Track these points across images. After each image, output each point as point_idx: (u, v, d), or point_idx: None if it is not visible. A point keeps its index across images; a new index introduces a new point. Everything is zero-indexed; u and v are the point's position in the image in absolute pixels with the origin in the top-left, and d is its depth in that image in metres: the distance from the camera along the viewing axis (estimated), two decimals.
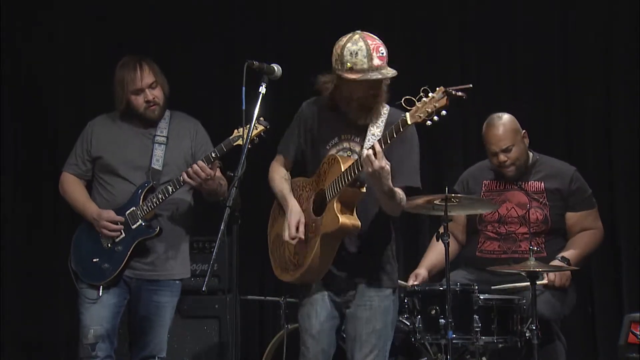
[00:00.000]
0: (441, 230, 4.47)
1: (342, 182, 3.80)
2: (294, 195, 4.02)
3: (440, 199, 4.51)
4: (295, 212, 3.95)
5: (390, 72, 3.83)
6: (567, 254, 4.88)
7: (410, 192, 3.98)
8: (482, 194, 5.09)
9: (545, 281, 4.81)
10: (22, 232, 6.33)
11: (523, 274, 4.57)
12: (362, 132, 3.93)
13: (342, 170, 3.80)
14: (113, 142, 4.65)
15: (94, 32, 6.34)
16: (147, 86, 4.58)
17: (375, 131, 3.89)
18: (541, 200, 4.98)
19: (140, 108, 4.60)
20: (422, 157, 6.15)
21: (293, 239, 3.92)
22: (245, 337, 5.80)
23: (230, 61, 6.23)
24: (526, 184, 5.04)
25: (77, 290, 4.58)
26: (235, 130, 4.39)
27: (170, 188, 4.50)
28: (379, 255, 4.00)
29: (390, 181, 3.74)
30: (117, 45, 6.13)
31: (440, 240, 4.49)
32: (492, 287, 4.81)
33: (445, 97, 3.62)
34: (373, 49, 3.80)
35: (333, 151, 3.96)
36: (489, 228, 5.04)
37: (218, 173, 4.52)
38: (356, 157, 3.84)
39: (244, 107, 3.95)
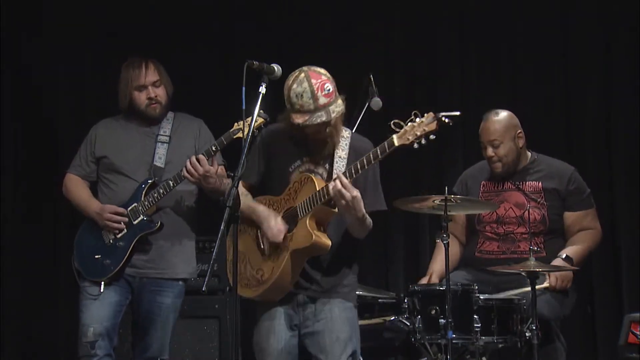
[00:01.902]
0: (441, 230, 4.47)
1: (316, 201, 3.83)
2: None
3: (440, 199, 4.50)
4: (269, 214, 3.97)
5: (336, 110, 3.88)
6: (568, 251, 4.87)
7: (377, 214, 4.03)
8: (480, 194, 5.09)
9: (546, 284, 4.81)
10: (22, 232, 6.33)
11: (523, 274, 4.57)
12: (325, 155, 3.98)
13: (317, 189, 3.84)
14: (116, 141, 4.69)
15: (94, 32, 6.33)
16: (150, 83, 4.63)
17: (341, 154, 3.95)
18: (539, 200, 4.98)
19: (142, 105, 4.64)
20: (422, 157, 6.19)
21: (278, 233, 3.92)
22: (245, 337, 5.79)
23: (230, 61, 6.23)
24: (524, 184, 5.04)
25: (79, 287, 4.59)
26: (236, 124, 4.42)
27: (171, 183, 4.52)
28: (340, 273, 4.02)
29: (363, 208, 3.82)
30: (117, 45, 6.14)
31: (440, 241, 4.48)
32: (500, 295, 4.79)
33: (435, 122, 3.67)
34: (317, 89, 3.86)
35: (296, 173, 4.00)
36: (488, 228, 5.04)
37: (221, 171, 4.53)
38: (324, 178, 3.93)
39: (244, 107, 3.96)
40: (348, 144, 3.98)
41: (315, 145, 3.98)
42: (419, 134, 3.69)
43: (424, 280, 5.02)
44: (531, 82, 6.10)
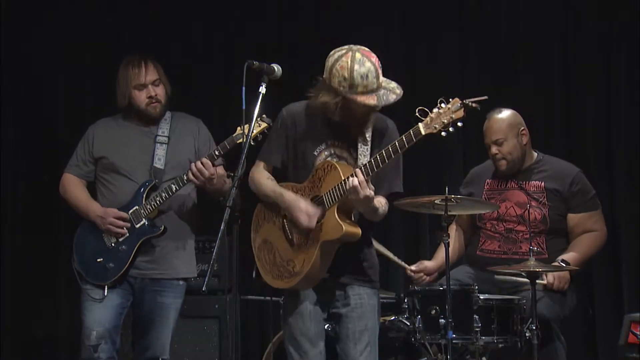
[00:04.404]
0: (441, 231, 4.47)
1: (343, 191, 3.78)
2: None
3: (440, 199, 4.50)
4: (297, 199, 3.89)
5: (396, 87, 3.81)
6: (567, 257, 4.86)
7: (394, 195, 4.01)
8: (483, 192, 5.10)
9: (544, 282, 4.81)
10: (22, 231, 6.33)
11: (523, 274, 4.57)
12: (349, 137, 3.92)
13: (342, 178, 3.79)
14: (115, 141, 4.67)
15: (95, 31, 6.33)
16: (150, 82, 4.62)
17: (364, 136, 3.89)
18: (541, 199, 4.99)
19: (142, 104, 4.63)
20: (422, 157, 6.18)
21: (308, 226, 3.85)
22: (245, 337, 5.80)
23: (230, 61, 6.24)
24: (527, 184, 5.04)
25: (81, 289, 4.57)
26: (239, 128, 4.40)
27: (173, 187, 4.51)
28: (364, 256, 4.01)
29: (374, 202, 3.80)
30: (117, 45, 6.15)
31: (440, 241, 4.48)
32: (496, 277, 4.79)
33: (462, 109, 3.60)
34: (377, 66, 3.79)
35: (321, 157, 3.94)
36: (488, 225, 5.05)
37: (222, 171, 4.53)
38: (349, 163, 3.88)
39: (244, 107, 3.95)
40: (371, 124, 3.90)
41: (341, 127, 3.89)
42: (446, 121, 3.61)
43: (415, 266, 5.02)
44: (531, 82, 6.10)
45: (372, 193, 3.74)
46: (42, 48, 6.31)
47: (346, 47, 3.83)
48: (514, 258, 4.90)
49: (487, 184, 5.14)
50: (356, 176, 3.72)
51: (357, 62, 3.76)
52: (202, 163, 4.42)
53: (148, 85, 4.62)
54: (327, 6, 6.33)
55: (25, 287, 6.23)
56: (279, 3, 6.45)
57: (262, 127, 4.27)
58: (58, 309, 6.19)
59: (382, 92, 3.78)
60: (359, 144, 3.89)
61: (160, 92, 4.65)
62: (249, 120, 4.04)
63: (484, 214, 5.04)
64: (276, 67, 4.03)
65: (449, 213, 4.48)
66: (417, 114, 3.67)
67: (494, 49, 6.16)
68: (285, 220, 4.00)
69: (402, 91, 3.81)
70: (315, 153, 3.95)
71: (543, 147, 5.22)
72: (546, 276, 4.82)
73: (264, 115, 4.23)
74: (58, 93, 6.43)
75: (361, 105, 3.78)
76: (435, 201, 4.52)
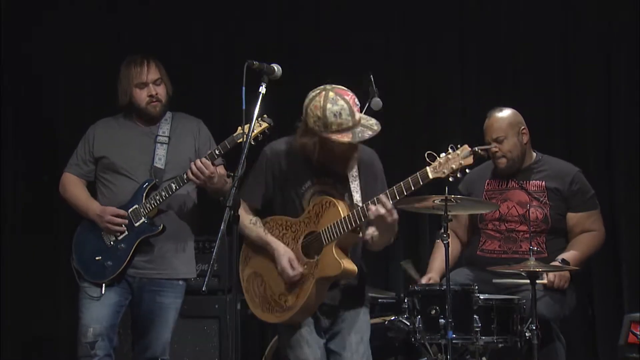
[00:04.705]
0: (441, 230, 4.47)
1: (343, 228, 3.81)
2: (274, 234, 4.02)
3: (440, 199, 4.50)
4: (284, 252, 3.94)
5: (374, 123, 3.83)
6: (567, 255, 4.87)
7: None
8: (484, 192, 5.10)
9: (544, 281, 4.82)
10: (22, 231, 6.33)
11: (523, 274, 4.57)
12: (334, 173, 3.95)
13: (342, 216, 3.82)
14: (115, 141, 4.68)
15: (94, 31, 6.33)
16: (152, 81, 4.63)
17: (351, 171, 3.91)
18: (542, 199, 4.99)
19: (143, 103, 4.63)
20: (422, 156, 6.16)
21: (294, 276, 3.90)
22: (245, 337, 5.80)
23: (230, 61, 6.23)
24: (527, 183, 5.05)
25: (80, 288, 4.58)
26: (239, 128, 4.39)
27: (173, 186, 4.51)
28: (359, 285, 4.05)
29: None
30: (117, 45, 6.15)
31: (440, 241, 4.48)
32: (494, 280, 4.80)
33: (472, 156, 3.63)
34: (352, 104, 3.80)
35: (308, 194, 3.97)
36: (490, 226, 5.05)
37: (222, 170, 4.53)
38: (345, 199, 3.90)
39: (244, 107, 3.95)
40: (356, 161, 3.94)
41: (325, 164, 3.91)
42: (454, 167, 3.66)
43: (424, 280, 5.03)
44: (531, 82, 6.10)
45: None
46: (42, 48, 6.30)
47: (321, 87, 3.86)
48: (514, 257, 4.90)
49: (488, 184, 5.14)
50: (383, 204, 3.74)
51: (330, 100, 3.78)
52: (201, 162, 4.42)
53: (149, 84, 4.63)
54: (327, 6, 6.33)
55: (25, 287, 6.23)
56: (279, 3, 6.45)
57: (262, 127, 4.27)
58: (58, 309, 6.18)
59: (358, 129, 3.80)
60: (351, 180, 3.91)
61: (161, 91, 4.66)
62: (249, 121, 4.04)
63: (486, 214, 5.04)
64: (276, 67, 4.03)
65: (449, 213, 4.48)
66: (426, 158, 3.69)
67: (494, 49, 6.16)
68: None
69: (380, 127, 3.83)
70: (302, 190, 3.98)
71: (543, 147, 5.22)
72: (546, 275, 4.83)
73: (264, 115, 4.24)
74: (58, 93, 6.43)
75: (337, 143, 3.79)
76: (435, 201, 4.52)
